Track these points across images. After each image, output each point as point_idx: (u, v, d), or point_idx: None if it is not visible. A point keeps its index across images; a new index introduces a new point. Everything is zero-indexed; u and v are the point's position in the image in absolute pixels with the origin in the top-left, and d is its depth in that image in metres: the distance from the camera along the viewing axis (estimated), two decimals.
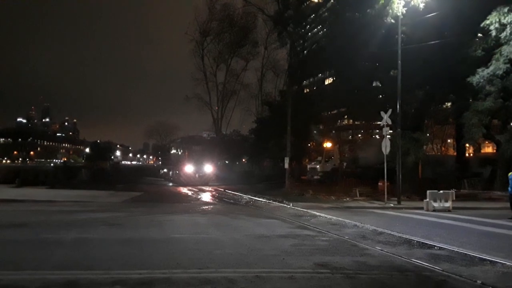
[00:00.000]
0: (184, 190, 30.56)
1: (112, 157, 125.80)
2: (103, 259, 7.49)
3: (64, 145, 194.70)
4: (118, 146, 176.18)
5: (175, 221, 12.94)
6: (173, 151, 51.49)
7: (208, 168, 36.07)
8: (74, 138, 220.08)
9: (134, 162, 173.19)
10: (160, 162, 62.97)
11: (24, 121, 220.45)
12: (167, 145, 60.84)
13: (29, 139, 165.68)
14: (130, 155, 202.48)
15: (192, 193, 27.58)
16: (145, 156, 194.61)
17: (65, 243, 8.92)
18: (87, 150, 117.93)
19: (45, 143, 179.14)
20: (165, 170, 49.83)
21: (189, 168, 35.24)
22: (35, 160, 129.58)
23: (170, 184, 37.36)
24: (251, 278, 6.37)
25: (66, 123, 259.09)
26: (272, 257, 7.93)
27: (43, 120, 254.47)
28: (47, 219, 12.58)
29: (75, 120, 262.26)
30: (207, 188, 31.43)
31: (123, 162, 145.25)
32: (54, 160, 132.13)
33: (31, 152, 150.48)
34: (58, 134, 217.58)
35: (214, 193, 27.98)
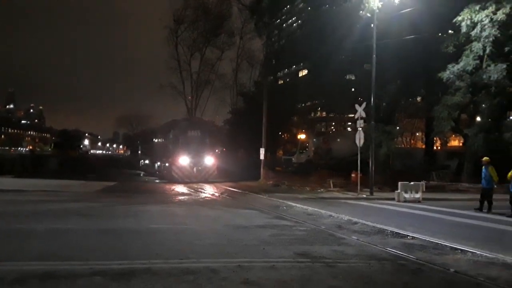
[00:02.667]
0: (184, 189, 21.96)
1: (81, 146, 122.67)
2: (80, 249, 7.33)
3: (29, 132, 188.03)
4: (86, 134, 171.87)
5: (152, 211, 12.79)
6: (159, 138, 37.08)
7: (209, 160, 27.26)
8: (40, 126, 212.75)
9: (103, 152, 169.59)
10: (139, 152, 49.37)
11: None
12: (150, 131, 46.61)
13: None
14: (99, 144, 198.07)
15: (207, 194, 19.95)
16: (114, 146, 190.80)
17: (39, 234, 8.65)
18: (55, 138, 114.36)
19: (9, 130, 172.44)
20: (146, 161, 41.00)
21: (184, 160, 26.29)
22: None
23: (157, 180, 29.23)
24: (233, 267, 6.40)
25: (31, 110, 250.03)
26: (252, 247, 7.99)
27: (7, 106, 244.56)
28: (18, 209, 12.15)
29: (41, 107, 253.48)
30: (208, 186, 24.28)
31: (92, 151, 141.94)
32: (19, 148, 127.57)
33: None
34: (23, 122, 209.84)
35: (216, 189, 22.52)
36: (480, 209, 14.64)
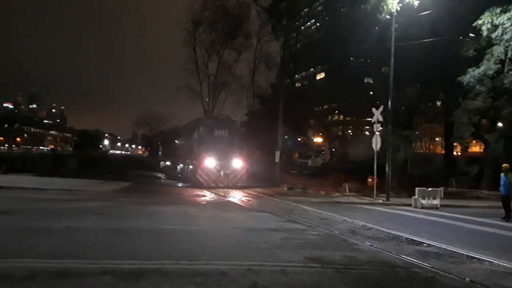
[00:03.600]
0: (211, 196, 19.64)
1: (101, 146, 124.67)
2: (92, 248, 7.40)
3: (51, 132, 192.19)
4: (106, 135, 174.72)
5: (165, 212, 12.86)
6: (181, 139, 33.08)
7: (238, 163, 24.21)
8: (62, 126, 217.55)
9: (122, 152, 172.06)
10: (160, 153, 45.30)
11: (11, 106, 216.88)
12: (171, 131, 42.58)
13: (16, 125, 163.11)
14: (119, 144, 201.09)
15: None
16: (133, 146, 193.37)
17: (53, 232, 8.78)
18: (76, 138, 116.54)
19: (32, 129, 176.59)
20: (167, 163, 37.91)
21: (210, 163, 23.41)
22: (22, 146, 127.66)
23: (180, 184, 26.82)
24: (242, 270, 6.36)
25: (53, 110, 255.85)
26: (263, 250, 7.93)
27: (30, 106, 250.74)
28: (35, 207, 12.39)
29: (62, 107, 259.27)
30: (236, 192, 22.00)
31: (111, 152, 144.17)
32: (41, 148, 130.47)
33: (18, 139, 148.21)
34: (45, 121, 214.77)
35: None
36: (505, 218, 14.22)
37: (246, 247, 8.10)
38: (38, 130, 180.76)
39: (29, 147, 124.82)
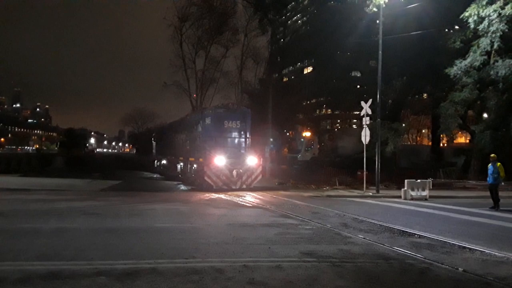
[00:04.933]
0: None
1: (87, 144, 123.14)
2: (85, 249, 7.30)
3: (36, 131, 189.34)
4: (92, 133, 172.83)
5: (157, 210, 12.74)
6: (182, 133, 27.09)
7: (252, 160, 20.53)
8: (46, 125, 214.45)
9: (109, 150, 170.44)
10: (154, 150, 38.57)
11: None
12: (167, 125, 35.57)
13: None
14: (105, 142, 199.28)
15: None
16: (120, 144, 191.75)
17: (44, 233, 8.65)
18: (61, 137, 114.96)
19: (16, 129, 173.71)
20: (163, 162, 32.70)
21: (220, 160, 19.68)
22: (6, 147, 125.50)
23: (183, 186, 22.50)
24: (238, 267, 6.34)
25: (38, 109, 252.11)
26: (258, 246, 7.92)
27: (14, 105, 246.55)
28: (23, 208, 12.18)
29: (47, 106, 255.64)
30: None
31: (97, 150, 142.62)
32: (26, 147, 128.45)
33: (1, 139, 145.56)
34: (29, 121, 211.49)
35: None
36: (493, 208, 14.47)
37: (241, 244, 8.08)
38: (22, 129, 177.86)
39: (14, 147, 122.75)
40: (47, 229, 9.02)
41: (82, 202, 13.82)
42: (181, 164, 25.89)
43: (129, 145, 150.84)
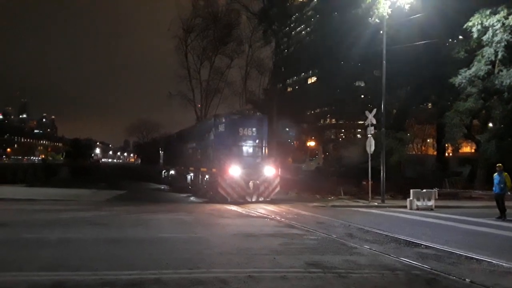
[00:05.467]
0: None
1: (92, 155, 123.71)
2: (90, 259, 7.30)
3: (42, 142, 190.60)
4: (98, 143, 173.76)
5: (161, 220, 12.75)
6: (192, 142, 25.45)
7: (269, 171, 19.14)
8: (52, 135, 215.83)
9: (114, 160, 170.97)
10: (161, 160, 36.77)
11: (0, 117, 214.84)
12: (175, 135, 32.98)
13: (6, 136, 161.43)
14: (110, 152, 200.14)
15: None
16: (125, 154, 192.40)
17: (49, 243, 8.66)
18: (67, 147, 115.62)
19: (22, 140, 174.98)
20: (172, 172, 30.85)
21: (235, 171, 18.45)
22: (12, 157, 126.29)
23: (192, 198, 21.56)
24: (243, 278, 6.31)
25: (44, 120, 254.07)
26: (263, 256, 7.89)
27: (20, 116, 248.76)
28: (29, 218, 12.23)
29: (53, 117, 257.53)
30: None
31: (103, 160, 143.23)
32: (32, 158, 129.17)
33: (8, 149, 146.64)
34: (35, 131, 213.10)
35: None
36: (500, 218, 14.34)
37: (246, 254, 8.05)
38: (28, 140, 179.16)
39: (20, 157, 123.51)
40: (52, 240, 9.04)
41: (87, 212, 13.85)
42: (192, 174, 24.14)
43: (134, 155, 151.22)
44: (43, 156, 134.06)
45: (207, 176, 20.80)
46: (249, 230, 11.22)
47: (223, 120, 20.01)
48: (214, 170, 19.36)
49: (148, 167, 47.16)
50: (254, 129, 19.65)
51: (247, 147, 19.59)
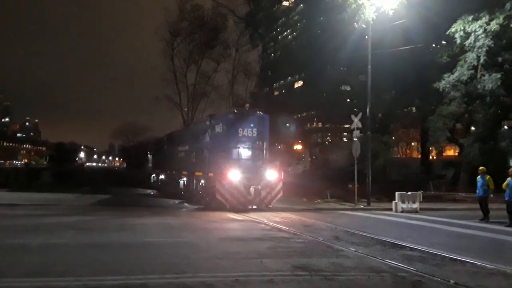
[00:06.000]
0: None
1: (77, 158, 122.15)
2: (74, 265, 7.18)
3: (25, 146, 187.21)
4: (82, 147, 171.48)
5: (147, 224, 12.62)
6: (184, 144, 23.67)
7: (272, 175, 17.47)
8: (36, 139, 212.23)
9: (99, 164, 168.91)
10: (150, 163, 34.94)
11: None
12: (165, 137, 30.40)
13: None
14: (95, 156, 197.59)
15: None
16: (110, 158, 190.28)
17: (32, 249, 8.50)
18: (51, 151, 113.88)
19: (5, 144, 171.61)
20: (161, 177, 28.87)
21: (235, 175, 16.77)
22: None
23: (185, 204, 19.83)
24: (230, 282, 6.28)
25: (27, 123, 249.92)
26: (250, 260, 7.87)
27: (3, 120, 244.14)
28: (11, 224, 11.98)
29: (36, 120, 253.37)
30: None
31: (87, 164, 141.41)
32: (15, 162, 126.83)
33: None
34: (18, 135, 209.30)
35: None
36: (483, 220, 14.58)
37: (232, 258, 8.02)
38: (11, 144, 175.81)
39: (2, 161, 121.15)
40: (35, 245, 8.87)
41: (71, 217, 13.63)
42: (185, 179, 22.31)
43: (119, 159, 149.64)
44: (26, 160, 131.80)
45: (202, 181, 19.07)
46: (237, 234, 11.21)
47: (220, 120, 18.45)
48: (211, 174, 17.70)
49: (135, 171, 46.32)
50: (254, 129, 17.86)
51: (247, 149, 17.76)
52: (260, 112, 18.85)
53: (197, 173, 19.86)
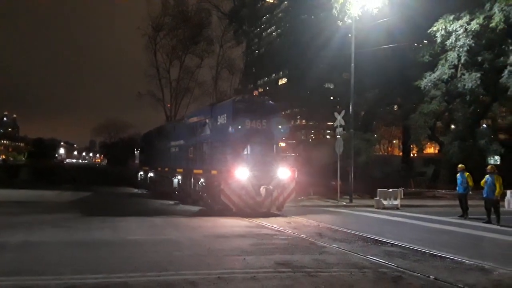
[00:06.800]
0: None
1: (56, 155, 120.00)
2: (54, 263, 7.06)
3: (2, 141, 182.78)
4: (62, 143, 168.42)
5: (130, 222, 12.49)
6: (181, 139, 20.64)
7: (284, 173, 15.08)
8: (14, 135, 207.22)
9: (79, 161, 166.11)
10: (137, 160, 32.21)
11: None
12: (155, 131, 27.72)
13: None
14: (75, 153, 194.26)
15: None
16: (91, 154, 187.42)
17: (11, 247, 8.31)
18: (29, 147, 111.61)
19: None
20: (150, 174, 26.33)
21: (243, 174, 14.40)
22: None
23: (181, 206, 17.76)
24: (213, 279, 6.27)
25: (4, 118, 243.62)
26: (233, 257, 7.87)
27: None
28: None
29: (14, 116, 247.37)
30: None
31: (67, 161, 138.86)
32: None
33: None
34: None
35: None
36: (462, 216, 14.90)
37: (216, 255, 8.00)
38: None
39: None
40: (14, 243, 8.68)
41: (50, 215, 13.39)
42: (179, 177, 19.86)
43: (100, 156, 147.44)
44: (3, 157, 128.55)
45: (202, 180, 16.56)
46: (220, 231, 11.18)
47: (224, 109, 15.79)
48: (214, 172, 15.22)
49: (118, 168, 45.26)
50: (264, 120, 15.28)
51: (256, 144, 15.21)
52: (271, 102, 16.33)
53: (196, 171, 17.35)
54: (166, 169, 22.26)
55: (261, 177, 14.52)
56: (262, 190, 14.32)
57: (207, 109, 18.13)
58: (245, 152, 15.07)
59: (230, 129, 15.13)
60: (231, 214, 14.20)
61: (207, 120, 16.96)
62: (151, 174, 26.29)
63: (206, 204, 16.36)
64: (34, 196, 19.68)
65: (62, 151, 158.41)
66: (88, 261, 7.36)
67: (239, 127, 15.05)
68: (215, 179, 15.07)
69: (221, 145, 15.55)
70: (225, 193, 14.28)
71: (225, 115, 15.56)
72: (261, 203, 14.56)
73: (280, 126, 16.29)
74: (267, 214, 14.49)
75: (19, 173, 40.66)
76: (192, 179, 17.79)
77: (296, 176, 15.61)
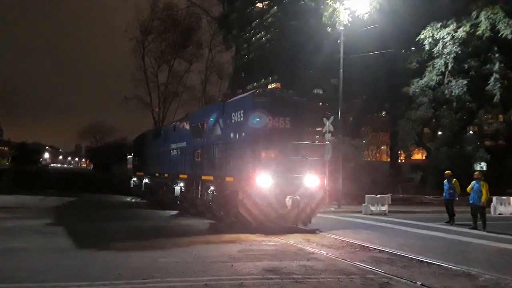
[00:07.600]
0: None
1: (41, 159, 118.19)
2: (36, 270, 6.87)
3: None
4: (47, 148, 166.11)
5: (116, 227, 12.28)
6: (184, 141, 17.69)
7: (312, 181, 12.62)
8: None
9: (64, 165, 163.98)
10: (130, 165, 29.02)
11: None
12: (151, 133, 24.92)
13: None
14: (60, 157, 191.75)
15: None
16: (77, 159, 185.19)
17: None
18: (13, 151, 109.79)
19: None
20: (146, 180, 23.67)
21: (265, 182, 11.85)
22: None
23: (186, 220, 14.80)
24: (199, 286, 6.17)
25: None
26: (220, 264, 7.77)
27: None
28: None
29: None
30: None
31: (52, 165, 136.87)
32: None
33: None
34: None
35: None
36: (449, 222, 15.01)
37: (203, 262, 7.89)
38: None
39: None
40: None
41: (34, 221, 13.09)
42: (182, 185, 17.49)
43: (86, 161, 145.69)
44: None
45: (212, 188, 14.22)
46: (208, 237, 11.04)
47: (241, 105, 13.21)
48: (229, 179, 12.90)
49: (106, 174, 44.06)
50: (288, 118, 12.91)
51: (280, 146, 12.59)
52: (297, 97, 14.16)
53: (204, 177, 14.85)
54: (166, 175, 19.68)
55: (285, 186, 12.28)
56: (289, 201, 12.02)
57: (217, 105, 15.72)
58: (266, 156, 12.48)
59: (248, 128, 12.61)
60: (250, 231, 11.74)
61: (220, 118, 14.38)
62: (146, 181, 23.71)
63: (214, 217, 14.31)
64: (17, 202, 19.29)
65: (47, 155, 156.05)
66: (72, 268, 7.19)
67: (259, 126, 12.55)
68: (230, 188, 12.88)
69: (237, 147, 12.98)
70: (245, 206, 11.93)
71: (241, 111, 12.91)
72: (286, 217, 12.40)
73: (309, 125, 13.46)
74: (292, 230, 12.37)
75: (1, 178, 39.94)
76: (199, 187, 15.38)
77: (326, 184, 13.86)
